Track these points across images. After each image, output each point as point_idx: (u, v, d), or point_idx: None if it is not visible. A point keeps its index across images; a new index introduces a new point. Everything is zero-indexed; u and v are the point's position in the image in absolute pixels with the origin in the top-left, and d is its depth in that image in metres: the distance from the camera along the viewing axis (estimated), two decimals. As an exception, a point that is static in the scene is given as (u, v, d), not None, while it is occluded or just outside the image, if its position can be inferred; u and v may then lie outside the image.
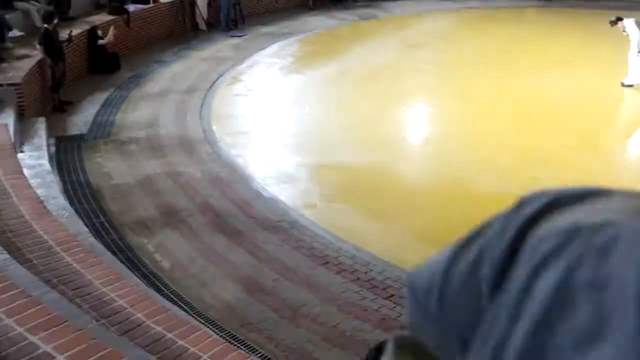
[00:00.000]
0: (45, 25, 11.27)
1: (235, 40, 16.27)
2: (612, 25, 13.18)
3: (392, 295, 6.58)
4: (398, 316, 6.26)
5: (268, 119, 11.57)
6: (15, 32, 12.03)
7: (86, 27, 13.57)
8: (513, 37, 17.56)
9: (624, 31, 12.92)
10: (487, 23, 19.07)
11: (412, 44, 16.49)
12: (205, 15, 16.95)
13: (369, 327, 6.09)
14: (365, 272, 6.96)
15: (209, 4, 17.01)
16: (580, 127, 11.44)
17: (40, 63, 11.21)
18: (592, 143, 10.84)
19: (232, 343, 4.96)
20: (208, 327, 5.34)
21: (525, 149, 10.43)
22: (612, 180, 9.60)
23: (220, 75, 13.60)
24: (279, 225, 7.89)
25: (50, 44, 11.09)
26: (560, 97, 12.93)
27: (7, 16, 12.02)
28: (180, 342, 4.37)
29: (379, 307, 6.38)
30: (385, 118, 11.68)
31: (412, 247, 7.60)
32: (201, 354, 4.25)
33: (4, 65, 10.79)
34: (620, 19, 12.95)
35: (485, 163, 9.86)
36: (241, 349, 4.91)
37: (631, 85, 12.93)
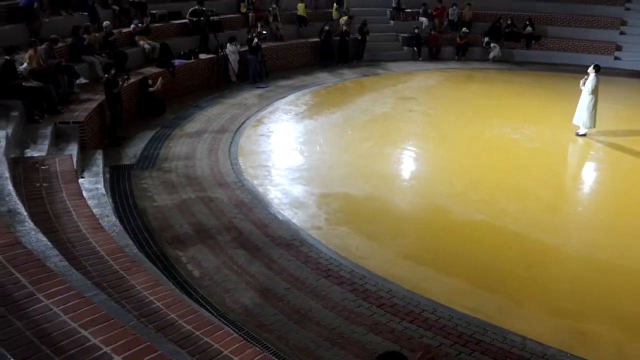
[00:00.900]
0: (106, 75, 11.43)
1: (259, 91, 16.40)
2: (591, 68, 12.93)
3: (383, 304, 6.54)
4: (387, 322, 6.22)
5: (284, 156, 11.59)
6: (81, 80, 12.17)
7: (139, 77, 13.74)
8: (486, 93, 17.69)
9: (585, 79, 12.85)
10: (465, 82, 19.22)
11: (404, 97, 16.59)
12: (236, 70, 17.13)
13: (363, 330, 6.05)
14: (361, 284, 6.93)
15: (240, 61, 17.20)
16: (539, 167, 11.44)
17: (100, 105, 11.33)
18: (549, 180, 10.83)
19: (249, 341, 4.91)
20: (229, 327, 5.31)
21: (494, 184, 10.44)
22: (567, 212, 9.60)
23: (246, 119, 13.68)
24: (290, 243, 7.88)
25: (111, 89, 11.23)
26: (524, 142, 12.96)
27: (76, 67, 12.19)
28: (206, 339, 4.34)
29: (372, 314, 6.34)
30: (380, 157, 11.72)
31: (400, 264, 7.58)
32: (223, 349, 4.21)
33: (71, 107, 10.90)
34: (598, 70, 12.87)
35: (461, 196, 9.86)
36: (256, 346, 4.87)
37: (584, 135, 12.93)
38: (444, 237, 8.50)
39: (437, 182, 10.52)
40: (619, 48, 22.43)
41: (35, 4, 12.87)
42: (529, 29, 22.61)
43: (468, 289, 7.08)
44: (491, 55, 21.95)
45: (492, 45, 22.03)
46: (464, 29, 22.05)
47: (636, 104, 16.45)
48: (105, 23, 14.35)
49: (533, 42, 22.67)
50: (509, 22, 22.74)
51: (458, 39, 21.99)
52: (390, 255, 7.82)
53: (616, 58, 22.04)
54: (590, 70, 12.85)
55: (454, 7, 22.97)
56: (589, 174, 11.97)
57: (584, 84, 12.83)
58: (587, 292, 7.19)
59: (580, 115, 12.91)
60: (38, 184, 7.19)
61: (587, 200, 10.57)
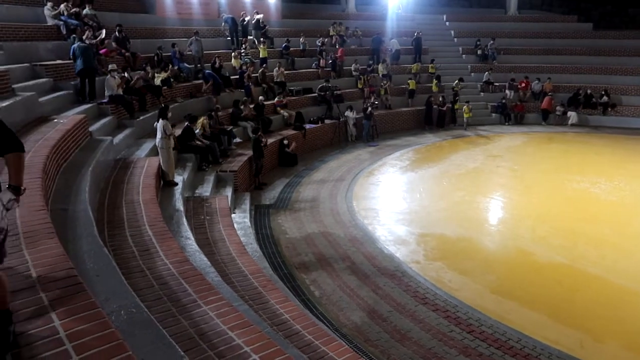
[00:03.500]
0: (254, 135, 12.04)
1: (371, 149, 16.50)
2: None
3: (472, 331, 6.16)
4: (476, 347, 5.82)
5: (390, 201, 11.47)
6: (237, 140, 12.92)
7: (278, 137, 14.36)
8: (565, 153, 16.46)
9: None
10: (546, 143, 18.05)
11: (493, 155, 15.90)
12: (353, 132, 17.41)
13: (454, 352, 5.71)
14: (454, 312, 6.59)
15: (355, 125, 17.46)
16: (618, 218, 10.36)
17: (249, 159, 11.93)
18: (627, 230, 9.75)
19: (357, 353, 4.80)
20: (342, 339, 5.23)
21: (574, 232, 9.59)
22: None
23: (360, 171, 13.76)
24: (394, 273, 7.70)
25: (257, 147, 11.83)
26: (602, 195, 11.86)
27: (233, 130, 12.99)
28: (323, 348, 4.30)
29: (463, 339, 5.98)
30: (471, 204, 11.23)
31: (488, 297, 7.12)
32: (337, 357, 4.14)
33: (229, 159, 11.58)
34: None
35: (543, 240, 9.15)
36: (364, 357, 4.74)
37: None
38: (527, 275, 7.89)
39: (521, 228, 9.85)
40: (691, 115, 20.13)
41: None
42: (605, 98, 21.00)
43: (550, 323, 6.47)
44: (570, 121, 20.57)
45: (568, 113, 20.68)
46: (550, 94, 21.03)
47: None
48: (260, 98, 15.30)
49: (609, 109, 20.96)
50: (588, 92, 21.26)
51: (544, 103, 20.86)
52: (479, 289, 7.37)
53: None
54: None
55: (537, 81, 21.94)
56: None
57: None
58: (666, 334, 6.30)
59: None
60: (203, 217, 7.64)
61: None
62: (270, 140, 13.20)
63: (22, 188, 2.65)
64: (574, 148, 17.25)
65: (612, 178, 13.10)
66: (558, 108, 20.90)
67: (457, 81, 21.02)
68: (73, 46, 10.07)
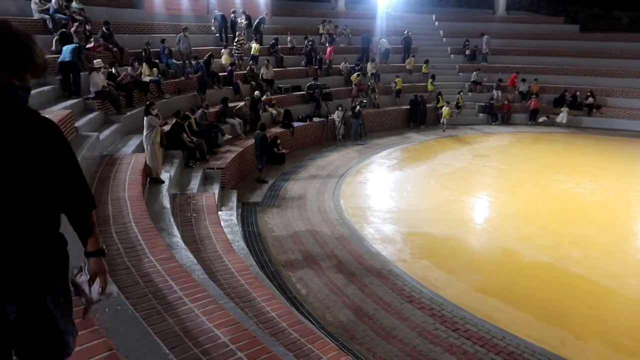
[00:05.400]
0: (260, 132, 11.93)
1: (359, 147, 16.52)
2: None
3: (457, 329, 6.22)
4: (461, 344, 5.89)
5: (378, 200, 11.52)
6: (226, 137, 12.84)
7: (268, 134, 14.31)
8: (551, 153, 16.67)
9: None
10: (533, 143, 18.24)
11: (479, 154, 16.03)
12: (341, 130, 17.43)
13: (440, 350, 5.77)
14: (439, 310, 6.65)
15: (344, 123, 17.47)
16: (601, 218, 10.53)
17: (241, 154, 11.86)
18: (610, 229, 9.91)
19: (343, 350, 4.82)
20: (327, 337, 5.25)
21: (558, 231, 9.71)
22: (627, 259, 8.69)
23: (348, 169, 13.78)
24: (380, 272, 7.74)
25: (263, 144, 11.86)
26: (586, 196, 12.03)
27: (222, 127, 12.92)
28: (309, 346, 4.32)
29: (448, 337, 6.04)
30: (458, 204, 11.32)
31: (473, 296, 7.20)
32: (322, 355, 4.16)
33: (216, 156, 11.53)
34: None
35: (528, 240, 9.26)
36: (349, 355, 4.76)
37: None
38: (512, 275, 7.99)
39: (506, 227, 9.96)
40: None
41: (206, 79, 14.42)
42: (590, 99, 21.30)
43: (533, 321, 6.56)
44: (558, 119, 20.80)
45: (562, 108, 20.91)
46: (534, 95, 21.32)
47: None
48: (256, 93, 15.23)
49: (594, 110, 21.26)
50: (577, 93, 21.49)
51: (532, 104, 21.13)
52: (465, 288, 7.45)
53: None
54: None
55: (523, 82, 22.15)
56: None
57: None
58: (646, 332, 6.43)
59: None
60: (189, 214, 7.61)
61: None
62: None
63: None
64: (560, 148, 17.47)
65: (596, 178, 13.31)
66: (542, 118, 21.11)
67: (458, 95, 20.88)
68: (65, 47, 9.98)
